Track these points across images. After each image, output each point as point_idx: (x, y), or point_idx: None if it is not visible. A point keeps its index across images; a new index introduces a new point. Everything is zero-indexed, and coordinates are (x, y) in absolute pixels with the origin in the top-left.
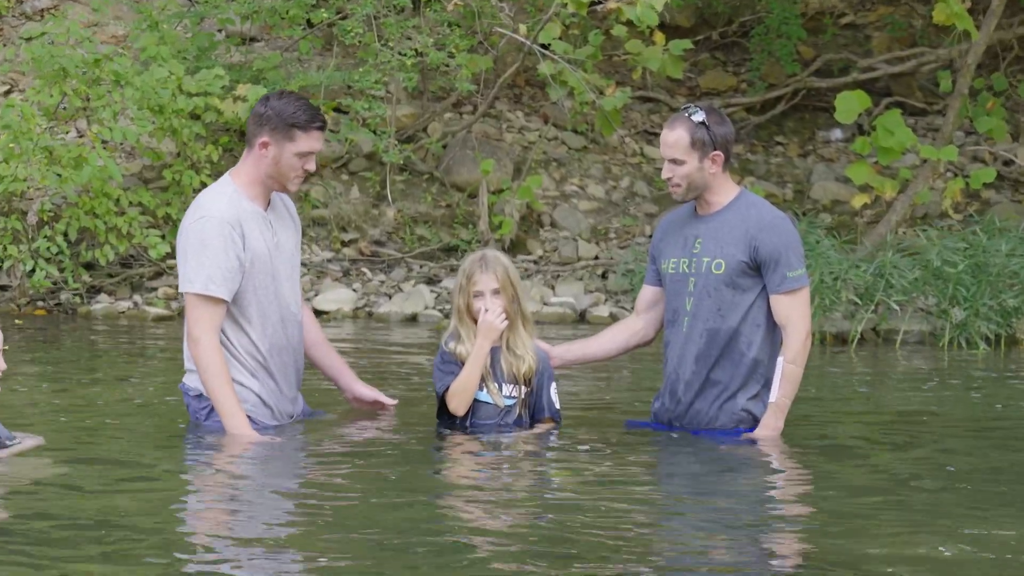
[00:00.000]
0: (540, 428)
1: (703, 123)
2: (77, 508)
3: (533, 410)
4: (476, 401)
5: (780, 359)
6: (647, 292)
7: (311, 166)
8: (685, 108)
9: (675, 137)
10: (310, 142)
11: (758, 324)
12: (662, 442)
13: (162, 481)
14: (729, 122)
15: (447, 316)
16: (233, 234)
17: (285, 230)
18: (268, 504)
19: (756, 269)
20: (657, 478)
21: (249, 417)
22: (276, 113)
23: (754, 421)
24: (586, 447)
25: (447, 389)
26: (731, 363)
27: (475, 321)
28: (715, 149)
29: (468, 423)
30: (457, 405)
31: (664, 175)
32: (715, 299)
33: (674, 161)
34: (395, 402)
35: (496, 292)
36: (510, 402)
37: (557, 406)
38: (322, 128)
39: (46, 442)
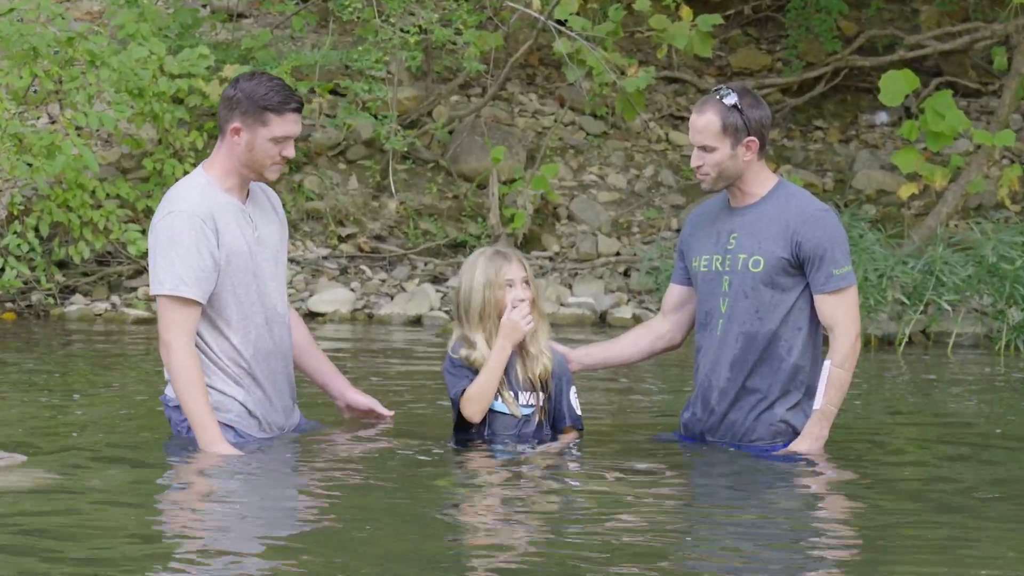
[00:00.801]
0: (562, 441)
1: (735, 106)
2: (54, 525)
3: (553, 418)
4: (491, 412)
5: (827, 363)
6: (674, 291)
7: (289, 152)
8: (716, 90)
9: (705, 121)
10: (285, 126)
11: (799, 327)
12: (692, 456)
13: (142, 498)
14: (765, 105)
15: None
16: (205, 229)
17: (268, 224)
18: (254, 526)
19: (798, 267)
20: (687, 496)
21: (233, 428)
22: (246, 96)
23: (794, 434)
24: (609, 462)
25: (463, 394)
26: (769, 369)
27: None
28: (749, 135)
29: (486, 435)
30: (473, 411)
31: (693, 163)
32: (753, 300)
33: (704, 148)
34: (391, 413)
35: (525, 280)
36: (528, 411)
37: (578, 412)
38: (298, 110)
39: (29, 460)
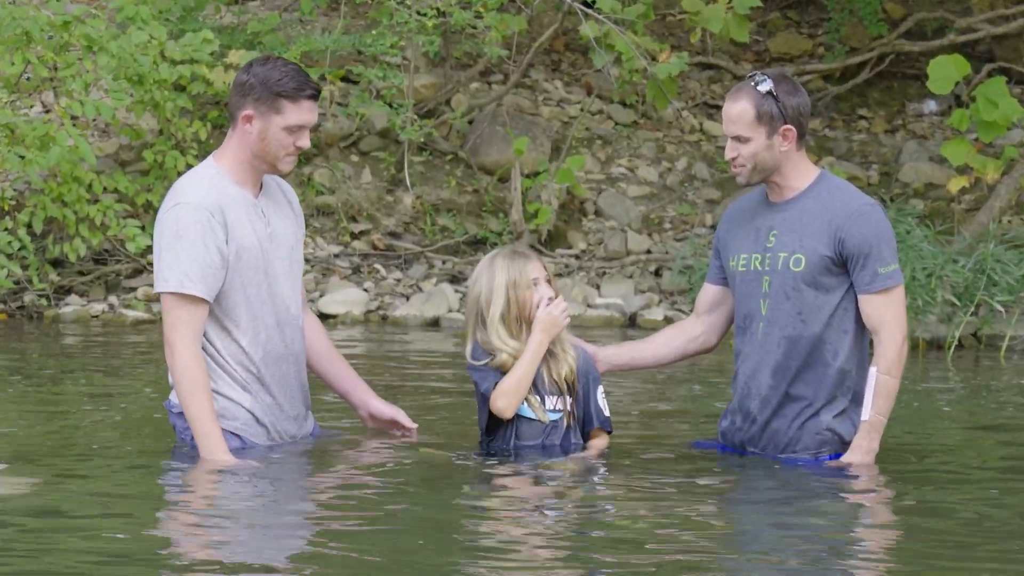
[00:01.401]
0: (591, 449)
1: (771, 92)
2: (52, 539)
3: (582, 420)
4: (518, 417)
5: (872, 370)
6: (709, 291)
7: (304, 142)
8: (751, 76)
9: (738, 110)
10: (300, 114)
11: (845, 330)
12: (732, 468)
13: (143, 511)
14: (803, 92)
15: None
16: (212, 222)
17: (282, 220)
18: (257, 541)
19: (842, 265)
20: (726, 510)
21: (239, 436)
22: (260, 81)
23: (841, 443)
24: (641, 473)
25: (494, 388)
26: (814, 375)
27: (529, 321)
28: (786, 123)
29: (511, 444)
30: (506, 405)
31: (727, 155)
32: (795, 301)
33: (738, 138)
34: (415, 426)
35: (548, 279)
36: (555, 416)
37: (607, 413)
38: (314, 97)
39: (10, 467)
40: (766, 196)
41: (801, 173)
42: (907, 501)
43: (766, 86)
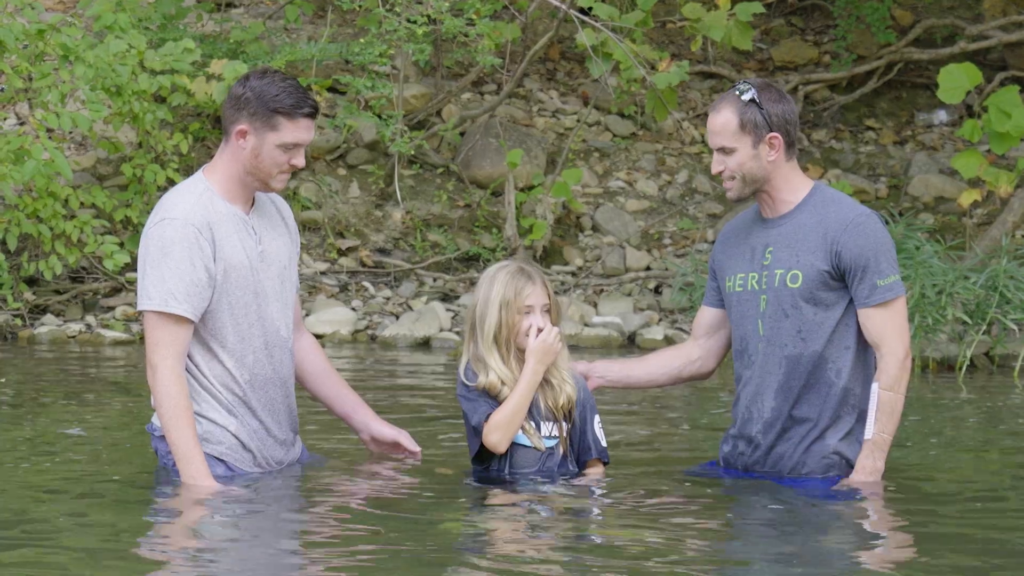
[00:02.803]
0: (590, 476)
1: (754, 100)
2: (24, 571)
3: (578, 450)
4: (513, 445)
5: (875, 386)
6: (706, 315)
7: (299, 161)
8: (734, 87)
9: (721, 121)
10: (297, 132)
11: (847, 346)
12: (734, 491)
13: (122, 540)
14: (790, 99)
15: None
16: (200, 239)
17: (275, 239)
18: (246, 572)
19: (840, 279)
20: (729, 533)
21: (224, 461)
22: (256, 96)
23: (847, 466)
24: (641, 499)
25: (486, 421)
26: (818, 396)
27: (518, 346)
28: (771, 131)
29: (506, 471)
30: (499, 439)
31: (713, 169)
32: (794, 319)
33: (722, 150)
34: (419, 449)
35: (546, 309)
36: (551, 443)
37: (603, 443)
38: (312, 115)
39: None
40: (759, 213)
41: (794, 186)
42: (916, 527)
43: (749, 95)
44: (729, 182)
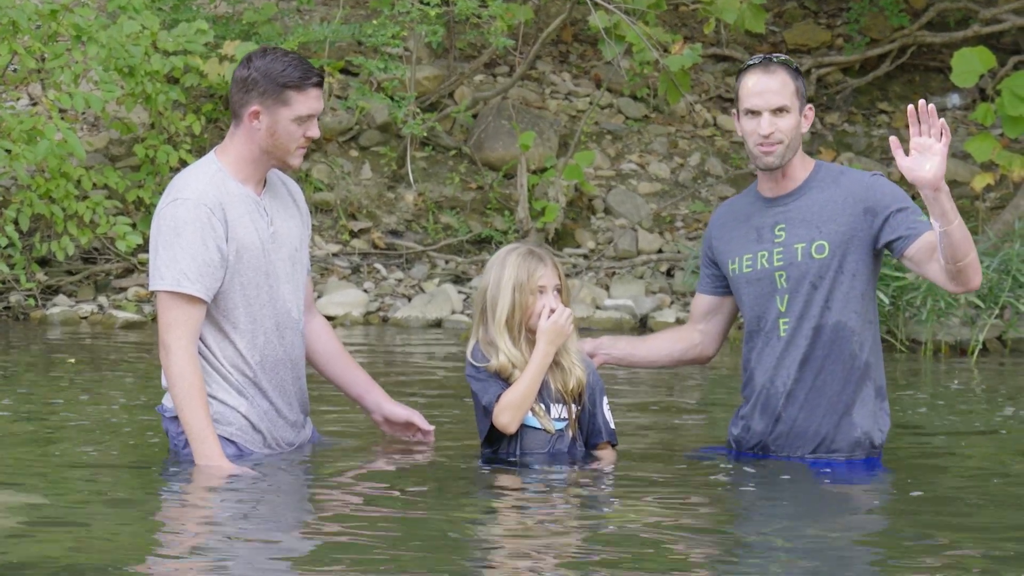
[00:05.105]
0: (601, 459)
1: (798, 70)
2: (39, 552)
3: (587, 433)
4: (523, 427)
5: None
6: (703, 302)
7: (314, 132)
8: (765, 57)
9: (780, 80)
10: (308, 102)
11: (870, 320)
12: (747, 474)
13: (134, 521)
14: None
15: None
16: (212, 219)
17: (287, 220)
18: (256, 551)
19: (871, 241)
20: (740, 516)
21: (234, 442)
22: (263, 74)
23: (871, 446)
24: (652, 481)
25: (497, 401)
26: (842, 367)
27: (530, 329)
28: (807, 103)
29: (516, 453)
30: (510, 420)
31: (764, 129)
32: (821, 289)
33: (780, 111)
34: (432, 428)
35: (558, 289)
36: (561, 425)
37: (612, 426)
38: (320, 84)
39: None
40: (758, 195)
41: (803, 164)
42: (933, 511)
43: (794, 64)
44: (775, 146)
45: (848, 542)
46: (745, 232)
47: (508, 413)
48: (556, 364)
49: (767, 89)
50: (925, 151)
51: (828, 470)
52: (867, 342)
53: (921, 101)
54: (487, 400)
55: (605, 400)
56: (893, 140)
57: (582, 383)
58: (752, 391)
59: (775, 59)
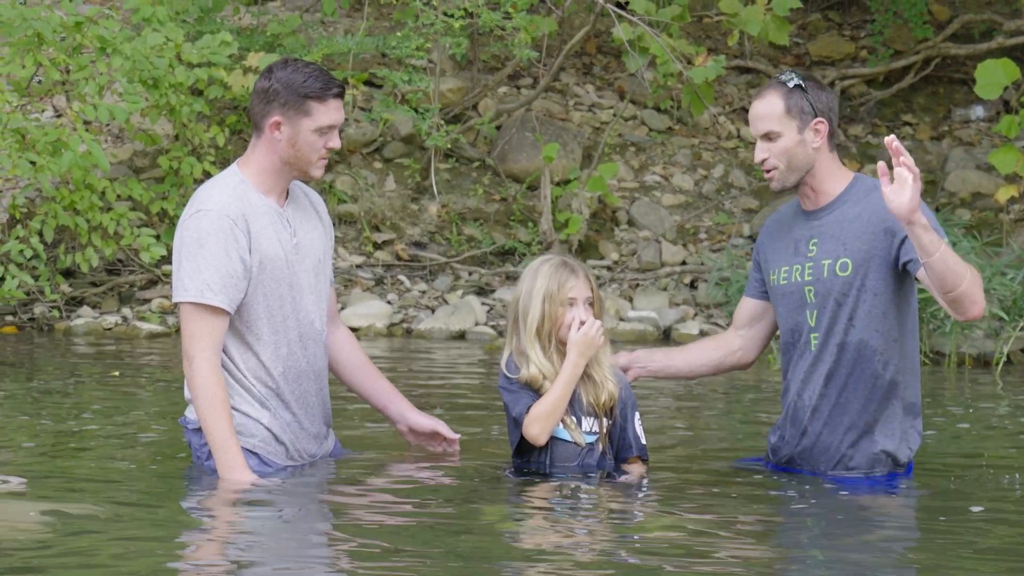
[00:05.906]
0: (631, 474)
1: (799, 86)
2: (63, 562)
3: (618, 448)
4: (553, 439)
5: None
6: (748, 305)
7: (335, 143)
8: (775, 77)
9: (767, 106)
10: (329, 113)
11: (894, 338)
12: (779, 486)
13: (158, 533)
14: (831, 91)
15: (501, 334)
16: (235, 231)
17: (310, 231)
18: (282, 563)
19: (892, 262)
20: (772, 531)
21: (257, 454)
22: (284, 85)
23: (895, 463)
24: (685, 494)
25: (527, 412)
26: (864, 386)
27: (560, 340)
28: (816, 116)
29: (547, 464)
30: (540, 431)
31: (757, 157)
32: (845, 307)
33: (768, 136)
34: (458, 436)
35: (589, 302)
36: (591, 439)
37: (643, 441)
38: (340, 95)
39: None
40: (800, 206)
41: (835, 177)
42: (956, 524)
43: (794, 81)
44: (772, 171)
45: (884, 559)
46: (785, 244)
47: (538, 424)
48: (588, 377)
49: (755, 115)
50: (902, 183)
51: (850, 485)
52: (892, 360)
53: (888, 137)
54: (517, 411)
55: (637, 415)
56: (881, 166)
57: (614, 397)
58: (786, 402)
59: (777, 79)
